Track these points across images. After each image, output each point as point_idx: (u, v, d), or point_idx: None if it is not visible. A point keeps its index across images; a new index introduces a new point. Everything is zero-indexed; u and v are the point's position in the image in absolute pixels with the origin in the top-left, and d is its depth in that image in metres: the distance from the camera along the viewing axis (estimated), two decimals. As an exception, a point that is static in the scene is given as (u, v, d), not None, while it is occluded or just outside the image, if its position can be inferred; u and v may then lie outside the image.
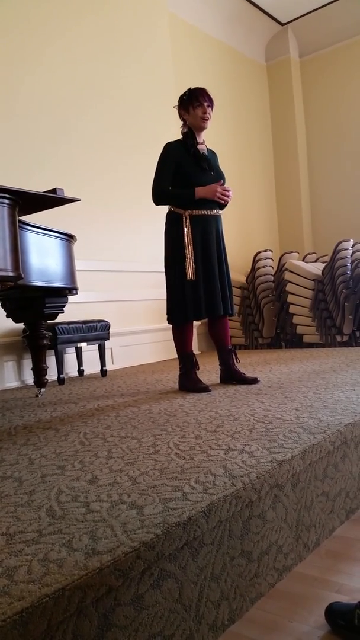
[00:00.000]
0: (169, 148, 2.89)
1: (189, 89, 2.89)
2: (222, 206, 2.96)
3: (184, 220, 2.83)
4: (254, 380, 2.97)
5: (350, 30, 6.77)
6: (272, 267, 5.67)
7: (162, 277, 5.07)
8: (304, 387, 2.70)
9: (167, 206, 2.96)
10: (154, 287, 5.06)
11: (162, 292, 5.04)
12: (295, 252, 5.78)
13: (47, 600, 0.83)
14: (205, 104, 2.85)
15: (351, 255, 5.04)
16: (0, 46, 3.94)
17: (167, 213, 2.95)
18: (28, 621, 0.80)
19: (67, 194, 2.85)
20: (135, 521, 1.11)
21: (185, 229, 2.81)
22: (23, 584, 0.88)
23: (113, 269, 4.69)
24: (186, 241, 2.81)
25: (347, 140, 6.98)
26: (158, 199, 2.89)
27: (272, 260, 5.71)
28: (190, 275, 2.80)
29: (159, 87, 5.29)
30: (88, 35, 4.61)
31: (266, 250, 5.63)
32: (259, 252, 5.57)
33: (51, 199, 2.75)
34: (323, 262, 5.68)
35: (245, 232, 6.75)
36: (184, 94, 2.89)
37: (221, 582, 1.18)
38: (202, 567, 1.14)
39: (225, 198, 2.84)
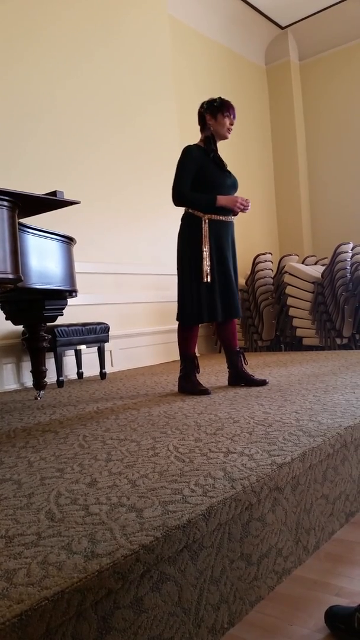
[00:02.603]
0: (191, 151, 2.90)
1: (220, 98, 2.94)
2: (235, 213, 3.01)
3: (203, 223, 2.86)
4: (263, 382, 2.98)
5: (350, 33, 6.79)
6: (272, 270, 5.67)
7: (162, 279, 5.14)
8: (304, 390, 2.70)
9: (183, 208, 3.00)
10: (154, 290, 5.07)
11: (161, 295, 5.09)
12: (295, 254, 5.79)
13: (46, 603, 0.83)
14: (232, 117, 2.94)
15: (351, 258, 5.04)
16: (0, 48, 3.95)
17: (185, 215, 2.97)
18: (27, 624, 0.80)
19: (67, 196, 2.85)
20: (134, 524, 1.11)
21: (204, 231, 2.85)
22: (22, 586, 0.88)
23: (113, 271, 4.69)
24: (204, 244, 2.85)
25: (346, 143, 6.99)
26: (179, 200, 2.91)
27: (272, 262, 5.71)
28: (206, 277, 2.83)
29: (159, 89, 5.31)
30: (88, 38, 4.62)
31: (266, 253, 5.64)
32: (258, 255, 5.57)
33: (51, 202, 2.75)
34: (323, 265, 5.68)
35: (245, 235, 6.75)
36: (215, 100, 2.93)
37: (221, 585, 1.18)
38: (202, 570, 1.14)
39: (241, 207, 2.89)
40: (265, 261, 5.59)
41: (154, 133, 5.19)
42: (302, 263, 5.79)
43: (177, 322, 3.03)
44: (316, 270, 5.30)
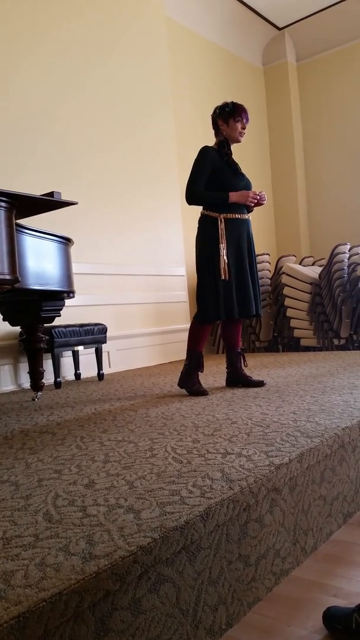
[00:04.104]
0: (208, 152, 2.95)
1: (232, 102, 2.97)
2: (251, 209, 3.05)
3: (219, 223, 2.90)
4: (261, 383, 2.99)
5: (347, 34, 6.80)
6: (269, 271, 5.68)
7: (159, 281, 5.14)
8: (302, 391, 2.70)
9: (200, 209, 3.03)
10: (151, 291, 5.06)
11: (158, 296, 5.09)
12: (292, 255, 5.79)
13: (44, 604, 0.83)
14: (244, 120, 2.97)
15: (348, 259, 5.05)
16: (2, 54, 3.95)
17: (201, 216, 3.01)
18: (25, 626, 0.80)
19: (65, 197, 2.85)
20: (132, 525, 1.11)
21: (221, 231, 2.89)
22: (20, 588, 0.88)
23: (110, 272, 4.69)
24: (221, 243, 2.88)
25: (343, 144, 7.00)
26: (192, 199, 2.96)
27: (269, 263, 5.72)
28: (224, 276, 2.87)
29: (157, 91, 5.30)
30: (86, 39, 4.62)
31: (263, 254, 5.64)
32: (256, 256, 5.57)
33: (48, 202, 2.75)
34: (320, 266, 5.69)
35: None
36: (227, 105, 2.97)
37: (218, 586, 1.18)
38: (200, 571, 1.14)
39: (254, 202, 2.93)
40: (263, 262, 5.59)
41: (151, 134, 5.19)
42: (300, 264, 5.80)
43: (192, 319, 3.05)
44: (314, 271, 5.31)
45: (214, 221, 2.92)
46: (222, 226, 2.89)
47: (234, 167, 3.00)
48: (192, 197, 2.94)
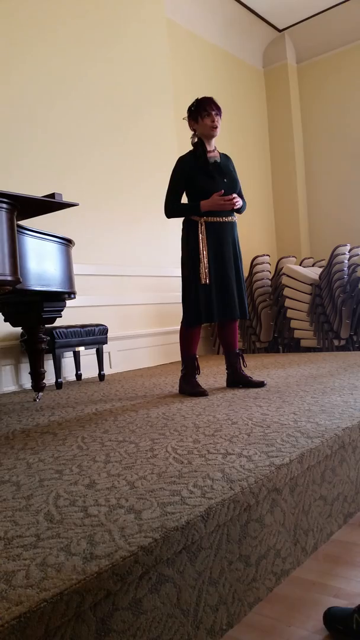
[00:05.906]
0: (180, 162, 2.94)
1: (196, 100, 2.92)
2: (239, 210, 3.00)
3: (199, 226, 2.89)
4: (261, 384, 2.99)
5: (347, 36, 6.81)
6: (270, 272, 5.68)
7: (160, 281, 5.15)
8: (302, 391, 2.70)
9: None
10: (152, 291, 5.07)
11: (160, 296, 5.10)
12: (293, 256, 5.80)
13: (45, 605, 0.83)
14: (213, 112, 2.88)
15: (348, 260, 5.05)
16: (1, 52, 3.96)
17: (184, 220, 3.01)
18: (26, 626, 0.80)
19: (66, 198, 2.85)
20: (133, 525, 1.11)
21: (201, 235, 2.88)
22: (21, 588, 0.88)
23: (111, 273, 4.69)
24: (201, 247, 2.87)
25: (343, 146, 7.00)
26: (169, 214, 2.99)
27: (270, 264, 5.72)
28: (204, 279, 2.85)
29: (157, 92, 5.31)
30: (86, 40, 4.63)
31: (263, 255, 5.65)
32: (256, 257, 5.58)
33: (49, 204, 2.75)
34: (320, 267, 5.69)
35: (243, 237, 6.71)
36: (192, 105, 2.92)
37: (219, 586, 1.18)
38: (200, 571, 1.14)
39: (226, 206, 2.86)
40: (263, 263, 5.60)
41: (152, 136, 5.19)
42: (300, 265, 5.80)
43: (180, 323, 3.06)
44: (314, 272, 5.31)
45: (195, 225, 2.91)
46: (202, 229, 2.88)
47: (212, 169, 2.90)
48: (168, 212, 2.97)
